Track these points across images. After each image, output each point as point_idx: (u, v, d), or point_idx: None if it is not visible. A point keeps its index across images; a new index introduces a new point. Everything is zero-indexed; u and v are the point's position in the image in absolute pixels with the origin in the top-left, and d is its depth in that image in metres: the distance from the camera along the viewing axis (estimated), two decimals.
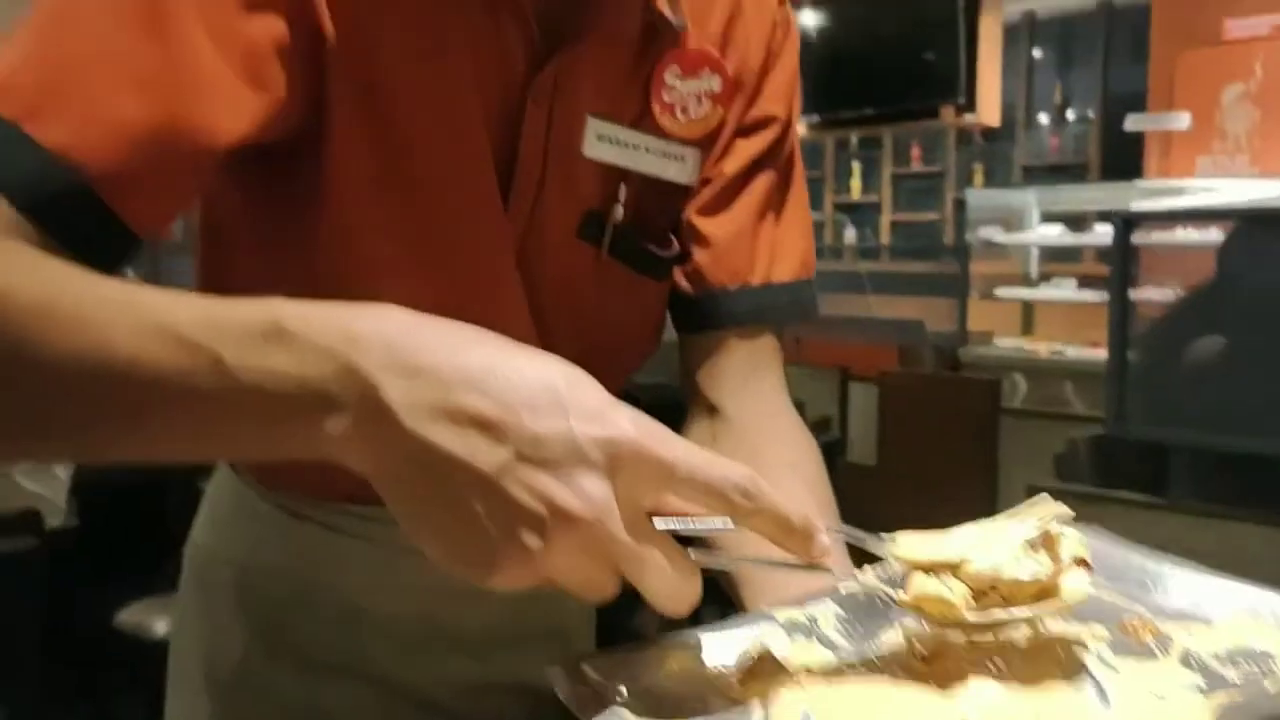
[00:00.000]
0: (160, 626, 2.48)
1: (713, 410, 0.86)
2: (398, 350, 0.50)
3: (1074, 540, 0.59)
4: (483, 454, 0.48)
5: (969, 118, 5.23)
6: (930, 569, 0.57)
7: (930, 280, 6.44)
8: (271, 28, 0.67)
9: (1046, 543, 0.58)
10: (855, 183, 9.95)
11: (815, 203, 9.32)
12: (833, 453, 3.95)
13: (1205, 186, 5.65)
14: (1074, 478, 3.06)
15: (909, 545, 0.59)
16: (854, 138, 9.40)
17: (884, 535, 0.59)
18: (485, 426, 0.48)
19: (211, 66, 0.65)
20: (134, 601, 2.56)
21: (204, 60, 0.64)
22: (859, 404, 4.31)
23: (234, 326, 0.52)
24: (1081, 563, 0.58)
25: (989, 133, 8.37)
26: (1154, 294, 2.86)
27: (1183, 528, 2.19)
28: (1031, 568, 0.57)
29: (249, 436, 0.53)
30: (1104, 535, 0.68)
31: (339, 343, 0.50)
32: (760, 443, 0.82)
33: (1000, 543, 0.58)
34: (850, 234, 9.82)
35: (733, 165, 0.85)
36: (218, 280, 0.82)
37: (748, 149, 0.86)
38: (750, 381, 0.86)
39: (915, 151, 9.60)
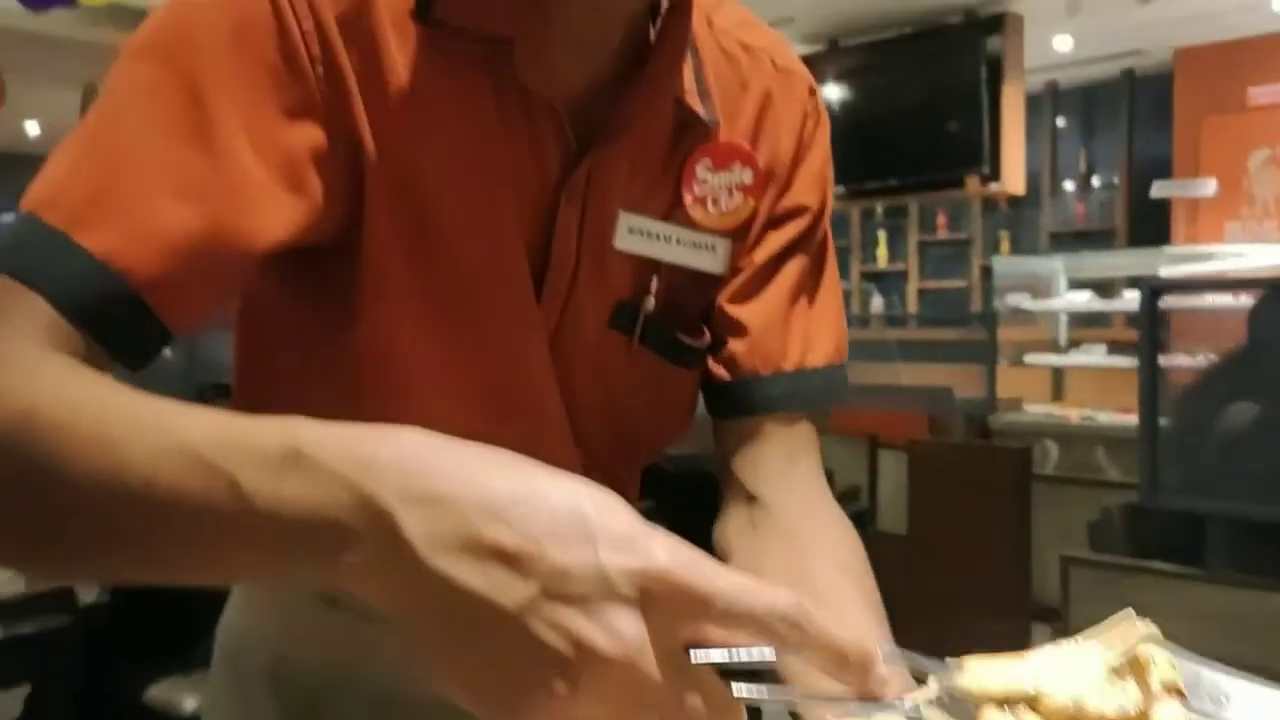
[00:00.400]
0: (189, 703, 2.48)
1: (751, 498, 0.85)
2: (415, 477, 0.47)
3: (1165, 665, 0.53)
4: (505, 590, 0.45)
5: (994, 186, 5.26)
6: (1004, 702, 0.52)
7: (958, 347, 6.43)
8: (311, 136, 0.69)
9: (1134, 668, 0.53)
10: (881, 251, 9.95)
11: (842, 272, 9.27)
12: (862, 522, 3.91)
13: (1234, 252, 5.65)
14: (1108, 547, 3.01)
15: (979, 674, 0.53)
16: (879, 207, 9.41)
17: (950, 660, 0.55)
18: (508, 560, 0.45)
19: (254, 174, 0.66)
20: (164, 678, 2.57)
21: (247, 168, 0.66)
22: (888, 472, 4.28)
23: (252, 448, 0.50)
24: (1174, 690, 0.53)
25: (1015, 200, 8.38)
26: (1185, 360, 2.84)
27: (1220, 598, 2.15)
28: (1118, 700, 0.51)
29: (264, 564, 0.51)
30: (1173, 648, 0.62)
31: (355, 471, 0.47)
32: (801, 535, 0.81)
33: (1081, 669, 0.53)
34: (877, 302, 9.82)
35: (764, 254, 0.86)
36: (254, 371, 0.83)
37: (779, 238, 0.86)
38: (788, 468, 0.85)
39: (941, 219, 9.61)
